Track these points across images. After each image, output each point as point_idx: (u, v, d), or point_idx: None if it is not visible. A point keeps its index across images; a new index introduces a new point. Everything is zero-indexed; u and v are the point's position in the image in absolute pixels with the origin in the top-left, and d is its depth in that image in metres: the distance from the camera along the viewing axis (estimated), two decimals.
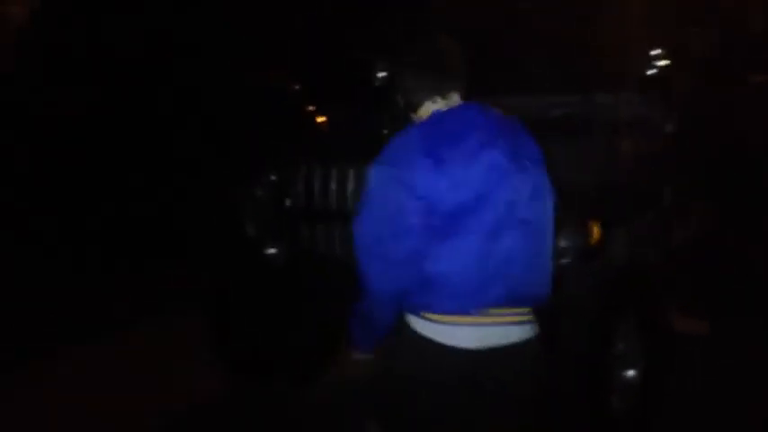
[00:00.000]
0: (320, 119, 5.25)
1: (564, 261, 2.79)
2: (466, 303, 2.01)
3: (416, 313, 2.06)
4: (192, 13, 7.72)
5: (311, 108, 5.41)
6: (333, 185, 3.31)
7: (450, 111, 2.08)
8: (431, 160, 1.97)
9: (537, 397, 2.09)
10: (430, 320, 2.04)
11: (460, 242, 1.98)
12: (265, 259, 3.42)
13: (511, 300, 2.02)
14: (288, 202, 3.47)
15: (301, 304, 3.54)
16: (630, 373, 3.32)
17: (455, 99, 2.11)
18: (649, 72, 3.78)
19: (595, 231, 2.90)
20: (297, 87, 6.15)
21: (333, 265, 3.32)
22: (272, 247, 3.42)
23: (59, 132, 6.84)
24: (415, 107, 2.13)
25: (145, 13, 7.47)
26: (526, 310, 2.07)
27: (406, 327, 2.08)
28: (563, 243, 2.78)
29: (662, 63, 3.75)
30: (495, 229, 1.98)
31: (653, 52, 3.83)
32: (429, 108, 2.10)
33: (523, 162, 2.01)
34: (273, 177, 3.54)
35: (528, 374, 2.07)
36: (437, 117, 2.08)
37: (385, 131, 3.72)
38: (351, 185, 3.28)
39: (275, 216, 3.49)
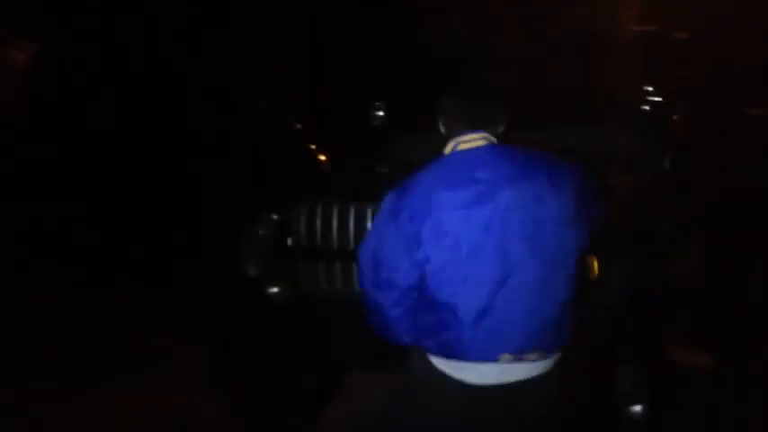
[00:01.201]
0: (321, 157, 5.31)
1: None
2: (478, 352, 2.03)
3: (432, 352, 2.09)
4: (194, 52, 7.83)
5: (312, 147, 5.47)
6: (334, 224, 3.33)
7: (473, 150, 2.11)
8: (446, 196, 2.01)
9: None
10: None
11: (474, 286, 2.00)
12: (267, 298, 3.42)
13: (526, 347, 2.03)
14: (289, 241, 3.48)
15: (304, 343, 3.53)
16: (635, 408, 3.31)
17: (485, 136, 2.13)
18: (646, 107, 3.83)
19: (594, 266, 2.92)
20: (298, 126, 6.22)
21: (335, 304, 3.33)
22: (274, 287, 3.42)
23: (59, 175, 6.92)
24: (448, 137, 2.17)
25: (141, 55, 7.59)
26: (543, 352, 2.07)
27: (421, 358, 2.11)
28: None
29: (658, 98, 3.79)
30: (507, 274, 1.98)
31: (649, 88, 3.88)
32: (463, 140, 2.13)
33: (543, 202, 2.01)
34: (275, 216, 3.55)
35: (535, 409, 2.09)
36: (459, 155, 2.11)
37: (384, 170, 3.77)
38: (352, 224, 3.29)
39: (276, 255, 3.50)
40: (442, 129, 2.20)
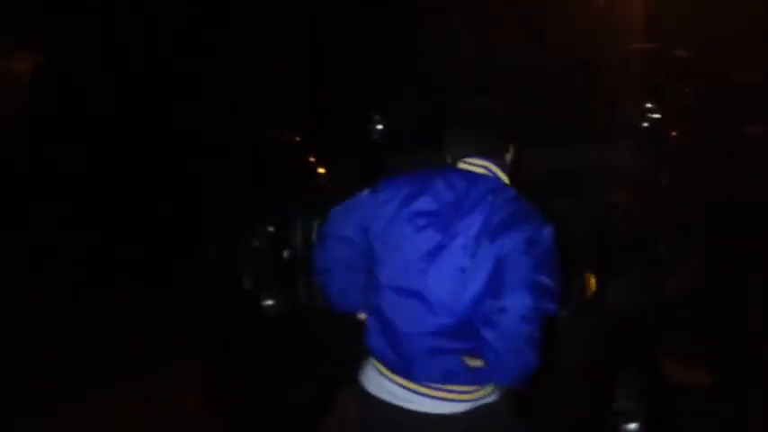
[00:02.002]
0: (320, 170, 5.32)
1: (561, 314, 2.78)
2: (386, 362, 2.03)
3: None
4: (195, 64, 7.87)
5: (311, 160, 5.49)
6: None
7: (424, 172, 2.07)
8: (412, 201, 2.01)
9: None
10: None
11: (383, 306, 2.02)
12: (262, 311, 3.41)
13: (419, 376, 1.98)
14: (285, 254, 3.48)
15: (300, 354, 3.51)
16: (631, 426, 3.29)
17: (487, 165, 2.06)
18: (644, 125, 3.83)
19: (591, 283, 2.91)
20: (297, 139, 6.23)
21: (329, 318, 3.31)
22: (269, 299, 3.41)
23: (59, 188, 6.94)
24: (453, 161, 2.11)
25: (143, 70, 7.64)
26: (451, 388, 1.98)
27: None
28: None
29: (656, 116, 3.79)
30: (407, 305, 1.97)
31: (648, 105, 3.88)
32: (465, 161, 2.07)
33: (459, 246, 1.94)
34: (271, 229, 3.55)
35: None
36: (448, 171, 2.07)
37: None
38: None
39: (272, 268, 3.49)
40: (449, 159, 2.14)
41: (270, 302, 3.41)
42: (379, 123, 4.21)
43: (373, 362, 2.08)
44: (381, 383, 2.05)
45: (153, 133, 7.48)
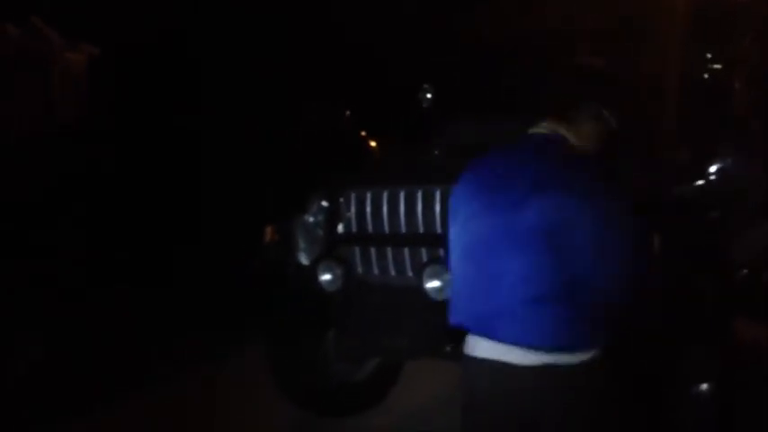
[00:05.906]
0: (371, 143, 5.29)
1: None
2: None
3: None
4: (245, 43, 7.90)
5: (362, 133, 5.46)
6: (384, 209, 3.30)
7: (506, 148, 2.11)
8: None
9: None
10: None
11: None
12: (320, 286, 3.41)
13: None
14: (340, 228, 3.47)
15: (355, 330, 3.51)
16: (703, 386, 3.20)
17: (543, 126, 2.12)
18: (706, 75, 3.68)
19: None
20: (348, 113, 6.20)
21: (385, 292, 3.30)
22: (326, 274, 3.41)
23: (120, 184, 7.04)
24: None
25: (197, 56, 7.69)
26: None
27: None
28: None
29: (716, 66, 3.64)
30: None
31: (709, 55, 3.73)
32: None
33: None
34: (325, 203, 3.54)
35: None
36: (494, 153, 2.12)
37: (435, 152, 3.72)
38: (402, 208, 3.26)
39: (328, 242, 3.49)
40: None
41: (327, 277, 3.40)
42: (429, 92, 4.15)
43: None
44: None
45: (201, 120, 7.52)
